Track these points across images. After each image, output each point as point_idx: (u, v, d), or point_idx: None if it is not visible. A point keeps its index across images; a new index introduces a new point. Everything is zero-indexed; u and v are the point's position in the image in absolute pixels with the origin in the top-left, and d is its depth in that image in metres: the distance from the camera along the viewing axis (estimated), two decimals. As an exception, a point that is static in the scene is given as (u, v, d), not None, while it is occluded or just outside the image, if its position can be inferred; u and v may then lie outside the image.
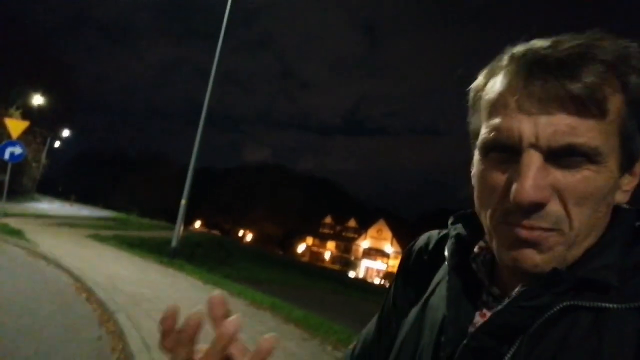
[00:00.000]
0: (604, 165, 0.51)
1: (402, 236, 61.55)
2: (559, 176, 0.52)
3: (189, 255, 17.32)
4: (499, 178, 0.55)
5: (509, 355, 0.52)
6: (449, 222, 0.72)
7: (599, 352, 0.47)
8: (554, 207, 0.52)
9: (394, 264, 58.55)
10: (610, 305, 0.49)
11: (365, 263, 65.84)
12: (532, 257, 0.53)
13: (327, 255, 73.81)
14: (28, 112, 31.48)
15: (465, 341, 0.57)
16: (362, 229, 69.98)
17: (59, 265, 8.48)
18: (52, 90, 35.26)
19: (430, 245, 0.77)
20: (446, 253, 0.68)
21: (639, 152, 0.56)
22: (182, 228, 13.43)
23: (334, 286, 24.47)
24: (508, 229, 0.54)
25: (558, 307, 0.51)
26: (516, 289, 0.56)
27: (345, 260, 69.05)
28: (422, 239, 0.80)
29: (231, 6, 13.70)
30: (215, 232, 58.36)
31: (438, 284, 0.70)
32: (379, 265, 63.50)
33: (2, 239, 10.76)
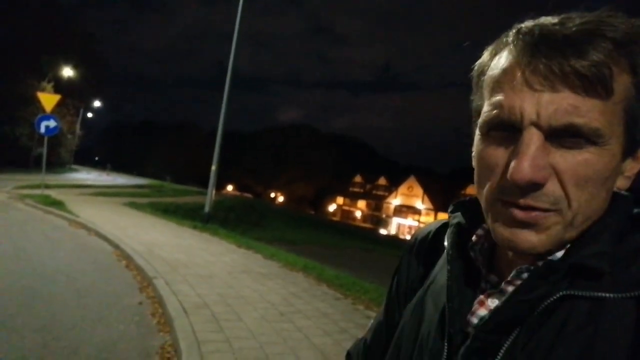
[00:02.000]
0: (605, 147, 0.50)
1: (434, 192, 61.13)
2: (559, 157, 0.51)
3: (222, 220, 17.74)
4: (499, 156, 0.54)
5: (506, 345, 0.52)
6: (449, 210, 0.71)
7: (595, 340, 0.47)
8: (553, 187, 0.51)
9: (425, 220, 58.49)
10: (606, 295, 0.49)
11: (396, 220, 65.94)
12: (528, 238, 0.52)
13: (358, 214, 74.23)
14: (59, 85, 32.16)
15: (468, 342, 0.57)
16: (393, 186, 69.72)
17: (98, 234, 8.81)
18: (82, 62, 35.70)
19: (431, 235, 0.77)
20: (446, 243, 0.68)
21: None
22: (214, 193, 13.67)
23: (365, 244, 24.73)
24: (504, 208, 0.54)
25: (555, 297, 0.51)
26: (511, 275, 0.56)
27: (377, 218, 69.33)
28: (424, 230, 0.81)
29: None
30: (247, 195, 59.27)
31: (438, 273, 0.71)
32: (410, 222, 63.53)
33: (45, 210, 11.23)
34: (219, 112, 13.54)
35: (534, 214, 0.52)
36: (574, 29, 0.50)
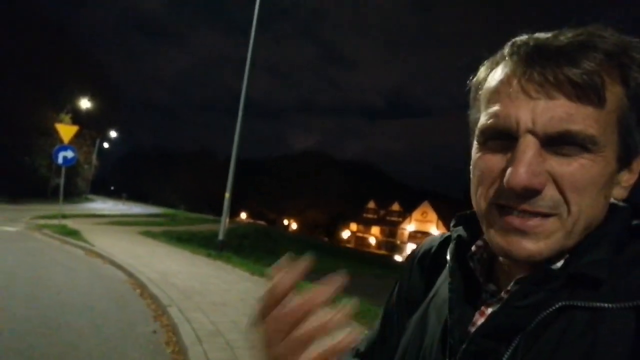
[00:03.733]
0: (600, 154, 0.51)
1: (448, 217, 60.35)
2: (555, 164, 0.51)
3: (236, 247, 17.74)
4: (496, 163, 0.54)
5: (507, 355, 0.52)
6: (451, 224, 0.72)
7: (594, 351, 0.47)
8: (551, 192, 0.51)
9: (441, 246, 57.80)
10: (606, 305, 0.49)
11: (411, 246, 65.38)
12: (524, 247, 0.52)
13: (372, 241, 73.71)
14: (77, 116, 32.92)
15: (464, 345, 0.57)
16: (407, 212, 69.35)
17: (114, 263, 8.88)
18: (98, 93, 36.62)
19: (433, 249, 0.77)
20: (448, 256, 0.68)
21: (638, 148, 0.55)
22: (227, 220, 13.73)
23: (380, 271, 24.49)
24: (500, 215, 0.54)
25: (554, 307, 0.50)
26: (510, 285, 0.56)
27: (391, 244, 68.77)
28: (425, 243, 0.81)
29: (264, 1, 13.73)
30: (261, 222, 59.32)
31: (440, 286, 0.71)
32: (425, 248, 62.88)
33: (62, 240, 11.37)
34: (232, 139, 13.72)
35: (530, 221, 0.52)
36: (566, 41, 0.52)
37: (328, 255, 28.58)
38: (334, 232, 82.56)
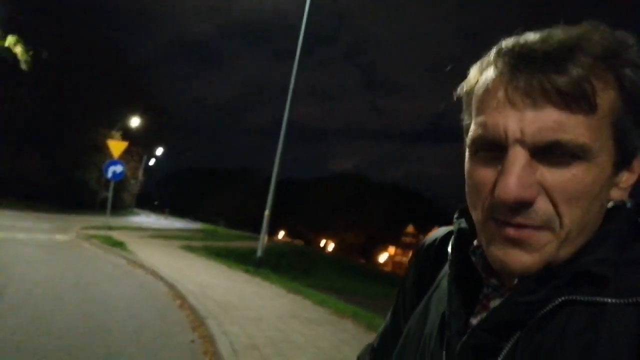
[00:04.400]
0: (594, 162, 0.50)
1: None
2: (546, 174, 0.50)
3: (273, 265, 17.88)
4: (487, 176, 0.53)
5: (506, 349, 0.52)
6: (455, 216, 0.70)
7: (595, 346, 0.46)
8: (543, 205, 0.50)
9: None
10: (608, 300, 0.48)
11: (450, 273, 63.99)
12: (520, 259, 0.52)
13: (410, 265, 72.52)
14: (126, 134, 34.35)
15: (464, 338, 0.57)
16: (446, 237, 68.06)
17: (155, 274, 9.15)
18: (147, 113, 38.12)
19: (437, 242, 0.77)
20: (449, 249, 0.67)
21: (637, 148, 0.53)
22: (266, 238, 13.91)
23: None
24: (496, 227, 0.53)
25: (556, 302, 0.50)
26: (515, 281, 0.56)
27: (430, 269, 67.48)
28: (431, 237, 0.80)
29: (310, 25, 14.10)
30: (298, 241, 59.51)
31: (442, 278, 0.71)
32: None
33: (107, 250, 11.82)
34: (274, 160, 13.99)
35: (525, 232, 0.51)
36: (553, 45, 0.50)
37: (363, 278, 28.34)
38: (371, 255, 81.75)
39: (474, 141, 0.55)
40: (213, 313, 6.24)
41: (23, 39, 22.57)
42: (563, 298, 0.50)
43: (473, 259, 0.63)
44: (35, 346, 4.09)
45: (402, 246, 76.24)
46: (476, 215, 0.57)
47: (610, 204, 0.56)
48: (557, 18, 0.53)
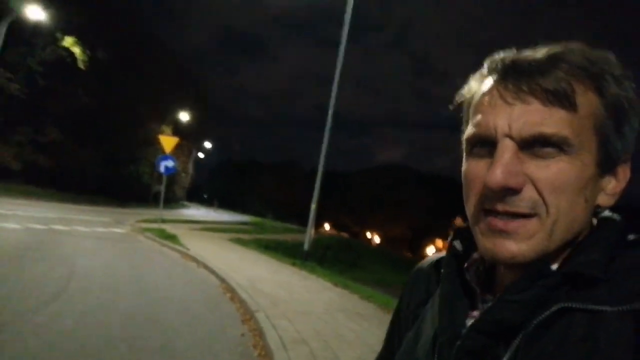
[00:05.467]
0: (576, 157, 0.54)
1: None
2: (533, 166, 0.54)
3: (320, 258, 18.02)
4: (480, 169, 0.57)
5: (507, 356, 0.53)
6: (449, 238, 0.73)
7: (595, 354, 0.48)
8: (529, 192, 0.54)
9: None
10: (604, 309, 0.50)
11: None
12: (508, 247, 0.54)
13: (458, 258, 71.27)
14: (176, 128, 35.44)
15: (459, 342, 0.58)
16: (496, 230, 66.38)
17: (207, 267, 9.42)
18: (196, 107, 39.16)
19: (433, 264, 0.78)
20: (442, 268, 0.70)
21: (619, 155, 0.57)
22: (313, 231, 14.02)
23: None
24: (485, 218, 0.56)
25: (553, 309, 0.52)
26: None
27: (479, 263, 66.06)
28: (426, 259, 0.83)
29: (356, 12, 13.97)
30: (344, 234, 59.64)
31: (434, 298, 0.72)
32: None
33: (161, 243, 12.27)
34: (319, 151, 14.02)
35: (513, 223, 0.54)
36: (539, 56, 0.56)
37: (408, 271, 28.05)
38: (417, 248, 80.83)
39: (469, 140, 0.60)
40: (262, 306, 6.37)
41: (80, 39, 23.70)
42: (560, 305, 0.52)
43: (467, 276, 0.66)
44: (97, 336, 4.33)
45: (450, 239, 75.00)
46: (469, 209, 0.60)
47: (601, 214, 0.60)
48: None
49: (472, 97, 0.63)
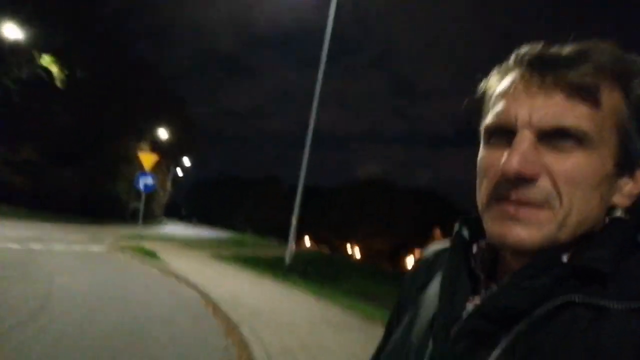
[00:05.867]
0: (595, 152, 0.54)
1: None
2: (551, 159, 0.54)
3: (301, 272, 18.00)
4: (496, 157, 0.57)
5: (505, 343, 0.53)
6: (456, 224, 0.72)
7: (597, 350, 0.47)
8: (544, 183, 0.54)
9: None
10: (610, 305, 0.49)
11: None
12: (517, 233, 0.54)
13: (438, 270, 71.69)
14: (155, 145, 35.15)
15: (460, 325, 0.58)
16: (475, 241, 67.08)
17: (188, 283, 9.37)
18: (174, 124, 38.96)
19: (436, 252, 0.78)
20: (447, 255, 0.69)
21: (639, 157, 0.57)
22: (293, 245, 14.06)
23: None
24: (497, 205, 0.56)
25: (557, 302, 0.51)
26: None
27: (458, 274, 66.56)
28: (430, 247, 0.83)
29: (335, 34, 14.26)
30: (324, 248, 59.56)
31: (435, 284, 0.71)
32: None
33: (141, 260, 12.15)
34: (299, 167, 14.15)
35: (525, 210, 0.54)
36: (567, 51, 0.56)
37: (392, 283, 28.15)
38: (397, 260, 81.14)
39: (487, 128, 0.60)
40: (245, 319, 6.39)
41: (58, 58, 23.47)
42: (566, 298, 0.51)
43: (472, 263, 0.65)
44: (79, 353, 4.31)
45: (430, 251, 75.48)
46: (481, 197, 0.60)
47: (614, 214, 0.59)
48: (579, 24, 0.55)
49: (493, 90, 0.62)
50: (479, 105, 0.66)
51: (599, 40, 0.57)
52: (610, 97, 0.55)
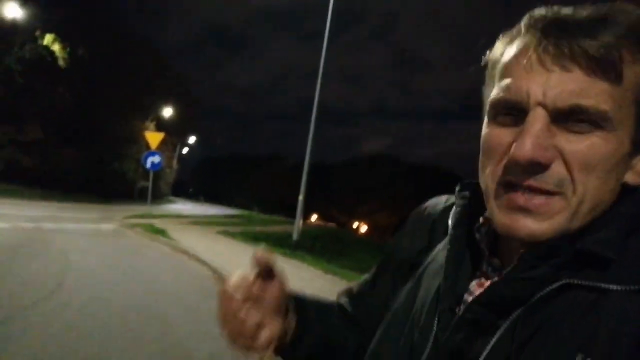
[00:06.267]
0: (613, 133, 0.49)
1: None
2: (564, 140, 0.49)
3: (308, 248, 18.23)
4: (504, 137, 0.52)
5: (503, 328, 0.51)
6: (457, 189, 0.69)
7: (596, 332, 0.46)
8: (558, 168, 0.49)
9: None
10: (611, 287, 0.47)
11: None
12: (527, 225, 0.51)
13: (444, 244, 72.17)
14: (160, 124, 35.23)
15: (460, 313, 0.56)
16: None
17: (198, 259, 9.55)
18: (179, 102, 38.92)
19: (437, 212, 0.75)
20: (450, 222, 0.66)
21: None
22: (301, 222, 14.21)
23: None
24: (505, 192, 0.52)
25: (558, 284, 0.49)
26: (515, 262, 0.54)
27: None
28: (431, 203, 0.79)
29: (337, 6, 14.10)
30: (331, 224, 60.00)
31: (438, 253, 0.69)
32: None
33: (151, 238, 12.35)
34: (305, 144, 14.18)
35: (535, 200, 0.50)
36: (585, 14, 0.50)
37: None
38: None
39: (495, 104, 0.54)
40: (256, 294, 6.54)
41: (60, 37, 23.39)
42: (564, 281, 0.49)
43: (477, 235, 0.62)
44: (98, 327, 4.47)
45: (436, 226, 75.82)
46: (486, 179, 0.56)
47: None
48: None
49: (502, 57, 0.56)
50: (484, 75, 0.61)
51: (619, 2, 0.51)
52: (632, 69, 0.49)
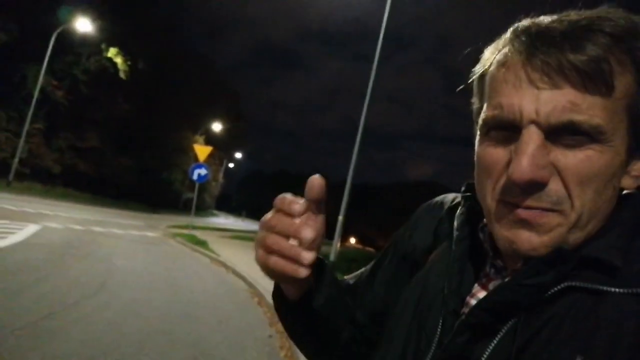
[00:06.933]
0: (608, 145, 0.49)
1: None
2: (560, 155, 0.49)
3: (345, 269, 18.10)
4: (499, 156, 0.53)
5: (504, 330, 0.51)
6: (462, 189, 0.70)
7: (595, 334, 0.46)
8: (555, 186, 0.50)
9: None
10: (612, 289, 0.47)
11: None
12: (529, 240, 0.51)
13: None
14: (209, 137, 36.30)
15: (463, 317, 0.57)
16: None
17: (236, 273, 9.69)
18: (228, 117, 40.06)
19: (444, 210, 0.75)
20: (455, 223, 0.67)
21: None
22: (339, 243, 14.17)
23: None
24: (506, 208, 0.53)
25: (559, 287, 0.49)
26: (519, 263, 0.55)
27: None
28: (437, 200, 0.80)
29: (390, 29, 14.21)
30: (370, 249, 59.34)
31: (445, 250, 0.69)
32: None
33: (192, 248, 12.65)
34: (348, 163, 14.20)
35: (536, 212, 0.50)
36: (571, 25, 0.49)
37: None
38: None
39: (487, 122, 0.54)
40: (289, 311, 6.56)
41: (122, 50, 24.70)
42: (567, 284, 0.49)
43: (481, 236, 0.63)
44: (137, 328, 4.62)
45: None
46: (484, 197, 0.56)
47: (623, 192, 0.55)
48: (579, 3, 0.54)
49: (489, 69, 0.56)
50: (474, 89, 0.61)
51: (605, 8, 0.51)
52: (623, 78, 0.49)
